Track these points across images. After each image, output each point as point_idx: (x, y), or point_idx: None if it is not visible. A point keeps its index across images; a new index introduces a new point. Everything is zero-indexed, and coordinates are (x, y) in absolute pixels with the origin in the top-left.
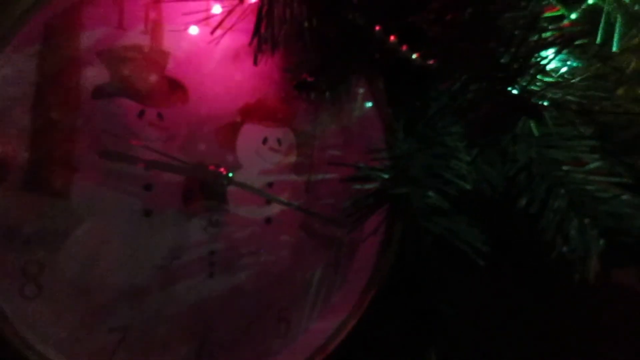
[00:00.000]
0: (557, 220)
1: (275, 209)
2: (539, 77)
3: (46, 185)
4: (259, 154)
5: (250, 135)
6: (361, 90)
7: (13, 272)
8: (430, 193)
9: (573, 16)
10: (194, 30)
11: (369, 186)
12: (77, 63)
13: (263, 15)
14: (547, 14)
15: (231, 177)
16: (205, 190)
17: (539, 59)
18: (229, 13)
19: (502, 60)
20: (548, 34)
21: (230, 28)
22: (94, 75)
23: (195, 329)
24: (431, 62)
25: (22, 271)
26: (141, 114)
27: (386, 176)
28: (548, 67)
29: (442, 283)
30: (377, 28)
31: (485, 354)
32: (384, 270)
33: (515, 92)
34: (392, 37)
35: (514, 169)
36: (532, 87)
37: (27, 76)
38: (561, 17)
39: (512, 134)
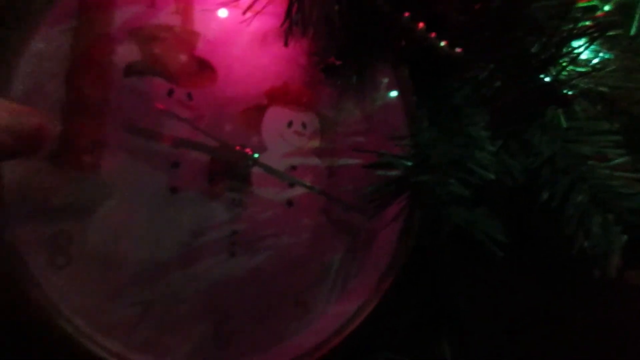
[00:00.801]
0: (579, 215)
1: (296, 192)
2: (569, 67)
3: (76, 159)
4: (283, 137)
5: (276, 118)
6: (385, 78)
7: (44, 242)
8: (452, 181)
9: (607, 8)
10: (223, 12)
11: (391, 173)
12: (109, 40)
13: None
14: (580, 4)
15: (256, 158)
16: (229, 170)
17: (570, 49)
18: None
19: (532, 50)
20: (580, 24)
21: (260, 11)
22: (126, 53)
23: (215, 307)
24: (458, 50)
25: (52, 241)
26: (170, 93)
27: (408, 164)
28: (579, 58)
29: (458, 275)
30: (405, 15)
31: (499, 348)
32: (401, 259)
33: (544, 81)
34: (420, 25)
35: (537, 162)
36: (562, 77)
37: (61, 51)
38: (594, 8)
39: (539, 124)
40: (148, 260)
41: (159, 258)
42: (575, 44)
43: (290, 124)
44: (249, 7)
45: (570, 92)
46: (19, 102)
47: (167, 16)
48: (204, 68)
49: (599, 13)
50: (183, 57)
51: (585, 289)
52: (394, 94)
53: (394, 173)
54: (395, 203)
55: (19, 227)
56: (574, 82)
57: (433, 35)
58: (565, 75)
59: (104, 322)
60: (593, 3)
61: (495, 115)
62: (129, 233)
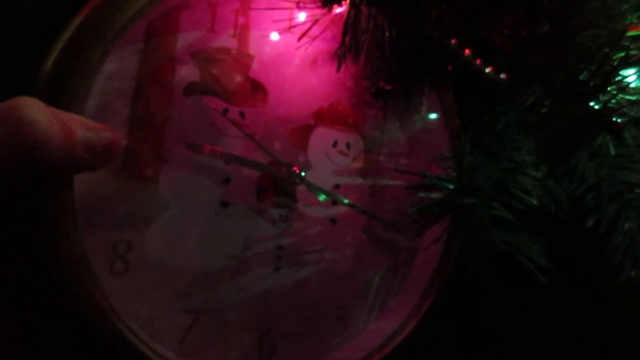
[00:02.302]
0: (627, 243)
1: (340, 210)
2: (619, 95)
3: (139, 172)
4: (328, 157)
5: (322, 138)
6: (431, 101)
7: (106, 249)
8: (495, 205)
9: None
10: (275, 35)
11: (434, 195)
12: (172, 62)
13: (349, 27)
14: (630, 33)
15: (303, 176)
16: (277, 187)
17: (620, 77)
18: (314, 22)
19: (581, 77)
20: (630, 52)
21: (316, 37)
22: (186, 73)
23: (260, 318)
24: (503, 76)
25: (113, 249)
26: (225, 111)
27: (451, 186)
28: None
29: (500, 297)
30: (453, 41)
31: None
32: (442, 279)
33: (594, 108)
34: (467, 51)
35: (582, 188)
36: (611, 105)
37: (129, 72)
38: None
39: (586, 151)
40: (199, 271)
41: (209, 269)
42: (625, 72)
43: (335, 144)
44: (305, 33)
45: (619, 120)
46: (91, 118)
47: (225, 39)
48: (257, 89)
49: None
50: (238, 78)
51: (630, 317)
52: (438, 117)
53: (436, 195)
54: (437, 224)
55: (87, 234)
56: (623, 109)
57: (479, 61)
58: (614, 103)
59: (157, 328)
60: None
61: (541, 142)
62: (182, 244)
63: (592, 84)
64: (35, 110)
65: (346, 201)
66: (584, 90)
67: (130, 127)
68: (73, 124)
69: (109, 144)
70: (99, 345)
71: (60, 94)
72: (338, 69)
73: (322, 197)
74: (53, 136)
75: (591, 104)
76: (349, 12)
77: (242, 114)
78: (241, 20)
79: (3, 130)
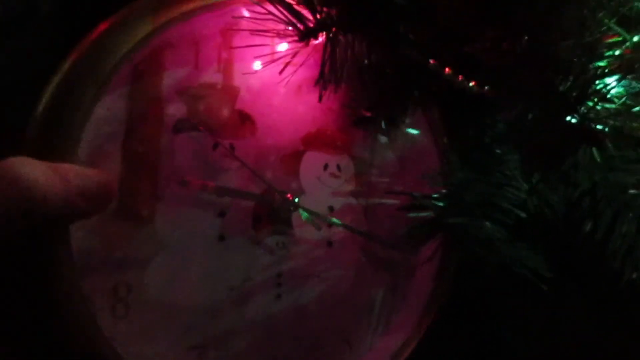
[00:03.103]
0: (626, 245)
1: (336, 232)
2: (599, 105)
3: (135, 213)
4: (320, 180)
5: (312, 162)
6: (416, 121)
7: (106, 292)
8: (487, 223)
9: (635, 38)
10: (258, 65)
11: (424, 214)
12: (160, 101)
13: (327, 58)
14: (608, 41)
15: (297, 202)
16: (272, 215)
17: (599, 87)
18: (294, 55)
19: (561, 88)
20: (607, 61)
21: (297, 69)
22: (174, 111)
23: (265, 346)
24: (487, 90)
25: (113, 292)
26: (215, 146)
27: (441, 204)
28: (609, 94)
29: (502, 309)
30: (432, 62)
31: None
32: (442, 294)
33: (574, 120)
34: (447, 70)
35: (576, 193)
36: (592, 115)
37: (118, 114)
38: (622, 42)
39: (572, 160)
40: (201, 306)
41: (210, 303)
42: (605, 80)
43: (326, 167)
44: (286, 65)
45: (601, 129)
46: (84, 163)
47: (210, 75)
48: (244, 120)
49: (626, 48)
50: (225, 112)
51: (635, 321)
52: (426, 135)
53: (427, 214)
54: (432, 242)
55: (86, 278)
56: (604, 120)
57: (460, 78)
58: (595, 113)
59: None
60: (620, 38)
61: (528, 154)
62: (182, 281)
63: (572, 94)
64: (30, 168)
65: (340, 222)
66: (564, 101)
67: (123, 168)
68: (67, 174)
69: (104, 190)
70: None
71: (53, 141)
72: (320, 100)
73: (304, 216)
74: (49, 192)
75: (570, 116)
76: (325, 44)
77: (232, 147)
78: (224, 55)
79: (1, 189)
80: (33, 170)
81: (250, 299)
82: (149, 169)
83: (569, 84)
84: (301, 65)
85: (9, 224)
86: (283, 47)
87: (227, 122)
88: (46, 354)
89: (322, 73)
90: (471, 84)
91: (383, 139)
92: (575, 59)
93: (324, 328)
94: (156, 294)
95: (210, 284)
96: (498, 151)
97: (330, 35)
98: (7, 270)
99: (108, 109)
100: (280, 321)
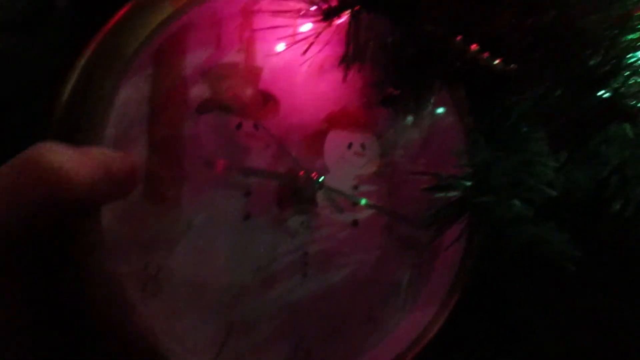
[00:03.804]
0: None
1: (360, 212)
2: (631, 79)
3: (161, 194)
4: (344, 159)
5: (336, 142)
6: (442, 99)
7: (137, 272)
8: (515, 201)
9: None
10: (281, 46)
11: (450, 194)
12: (183, 82)
13: (351, 37)
14: (639, 13)
15: (321, 181)
16: (297, 194)
17: (631, 60)
18: (317, 35)
19: (591, 63)
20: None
21: (321, 50)
22: (198, 92)
23: (292, 326)
24: (513, 67)
25: (144, 271)
26: (239, 126)
27: (467, 184)
28: None
29: (527, 289)
30: (458, 38)
31: None
32: (467, 274)
33: (605, 95)
34: (473, 46)
35: (605, 171)
36: (624, 90)
37: (142, 97)
38: None
39: (602, 137)
40: (228, 285)
41: (237, 283)
42: (637, 54)
43: (350, 146)
44: (310, 46)
45: (633, 104)
46: (110, 146)
47: (232, 55)
48: (267, 100)
49: None
50: (248, 92)
51: None
52: (451, 114)
53: (453, 194)
54: (457, 222)
55: (117, 260)
56: (637, 94)
57: (486, 54)
58: (627, 87)
59: (193, 345)
60: None
61: (555, 131)
62: (209, 261)
63: (601, 69)
64: (57, 153)
65: (365, 201)
66: (594, 76)
67: (149, 151)
68: (94, 159)
69: (131, 172)
70: None
71: (79, 126)
72: (344, 79)
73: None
74: (76, 176)
75: (601, 92)
76: (349, 23)
77: (255, 127)
78: (246, 34)
79: (26, 180)
80: (60, 156)
81: (277, 278)
82: (174, 151)
83: (599, 58)
84: (325, 45)
85: (38, 208)
86: (306, 27)
87: (250, 102)
88: (81, 332)
89: (346, 52)
90: (497, 61)
91: (408, 118)
92: (605, 32)
93: (349, 307)
94: (185, 274)
95: (236, 263)
96: (524, 129)
97: (354, 13)
98: (40, 252)
99: (132, 92)
100: (306, 300)
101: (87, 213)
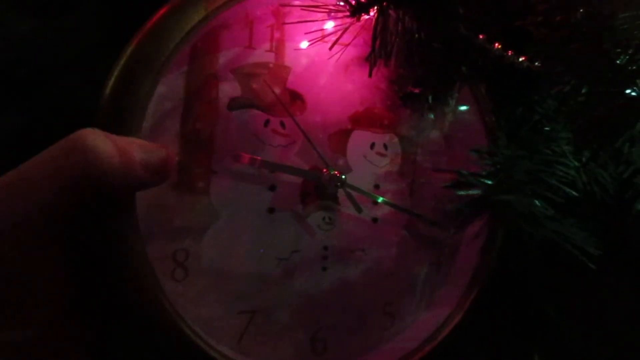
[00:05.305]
0: None
1: (381, 210)
2: None
3: (192, 185)
4: (367, 158)
5: (359, 141)
6: (463, 98)
7: (167, 258)
8: (536, 201)
9: None
10: (305, 44)
11: (471, 192)
12: (215, 79)
13: (378, 33)
14: None
15: (344, 179)
16: (320, 191)
17: None
18: (344, 31)
19: (618, 62)
20: None
21: (348, 44)
22: (229, 89)
23: (311, 316)
24: (538, 65)
25: (173, 258)
26: (267, 123)
27: (489, 182)
28: None
29: (548, 286)
30: (481, 37)
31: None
32: (486, 271)
33: (633, 94)
34: (496, 44)
35: (628, 171)
36: None
37: (177, 92)
38: None
39: (628, 136)
40: (251, 274)
41: (261, 271)
42: None
43: (372, 146)
44: (336, 42)
45: None
46: (146, 138)
47: (262, 54)
48: (294, 98)
49: None
50: (277, 90)
51: None
52: (473, 113)
53: (474, 192)
54: (477, 220)
55: (149, 245)
56: None
57: (510, 53)
58: None
59: (217, 329)
60: None
61: (580, 130)
62: (235, 250)
63: (629, 68)
64: (98, 141)
65: (382, 200)
66: (622, 75)
67: (181, 143)
68: (132, 148)
69: (164, 162)
70: (165, 346)
71: (120, 119)
72: (370, 75)
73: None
74: (115, 162)
75: (628, 90)
76: (377, 19)
77: (282, 124)
78: (277, 34)
79: (71, 161)
80: (101, 142)
81: (298, 270)
82: (205, 144)
83: (627, 57)
84: (351, 42)
85: (79, 187)
86: (331, 25)
87: (278, 100)
88: (114, 314)
89: (372, 47)
90: (521, 58)
91: (430, 117)
92: (634, 32)
93: (368, 301)
94: (211, 261)
95: (260, 254)
96: (547, 128)
97: (382, 9)
98: (78, 235)
99: (168, 87)
100: (325, 292)
101: (122, 198)
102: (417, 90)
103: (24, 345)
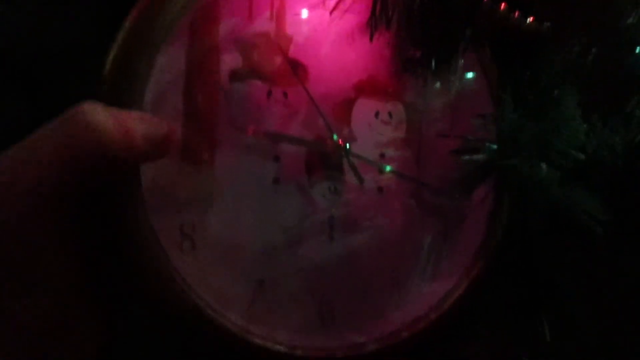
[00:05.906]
0: None
1: (386, 179)
2: None
3: (196, 157)
4: (371, 127)
5: (364, 110)
6: (468, 63)
7: (174, 230)
8: (542, 165)
9: None
10: (305, 12)
11: (477, 157)
12: (216, 51)
13: None
14: None
15: (348, 148)
16: (324, 161)
17: None
18: None
19: (629, 21)
20: None
21: (347, 10)
22: (230, 60)
23: (318, 285)
24: (547, 26)
25: (180, 230)
26: (269, 94)
27: (494, 147)
28: None
29: (556, 253)
30: None
31: (603, 329)
32: (493, 240)
33: None
34: (502, 5)
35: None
36: None
37: (178, 65)
38: None
39: (637, 100)
40: (259, 245)
41: (267, 242)
42: None
43: (377, 114)
44: (335, 8)
45: None
46: (149, 111)
47: (263, 23)
48: (296, 68)
49: None
50: (278, 60)
51: None
52: (478, 79)
53: (480, 157)
54: (483, 186)
55: (155, 217)
56: None
57: (517, 14)
58: None
59: (227, 298)
60: None
61: (588, 94)
62: (241, 221)
63: (639, 28)
64: (98, 114)
65: (389, 169)
66: (630, 35)
67: (184, 116)
68: (132, 120)
69: (167, 135)
70: (177, 317)
71: (120, 92)
72: (371, 40)
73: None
74: (116, 135)
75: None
76: None
77: (285, 94)
78: (276, 3)
79: (71, 135)
80: (101, 115)
81: (304, 240)
82: (208, 116)
83: (638, 15)
84: (350, 6)
85: (80, 160)
86: None
87: (279, 71)
88: (123, 285)
89: (373, 11)
90: (528, 20)
91: (435, 84)
92: None
93: (374, 270)
94: (218, 232)
95: (266, 224)
96: (555, 91)
97: None
98: (83, 208)
99: (169, 60)
100: (332, 262)
101: (126, 170)
102: (418, 54)
103: (39, 314)
